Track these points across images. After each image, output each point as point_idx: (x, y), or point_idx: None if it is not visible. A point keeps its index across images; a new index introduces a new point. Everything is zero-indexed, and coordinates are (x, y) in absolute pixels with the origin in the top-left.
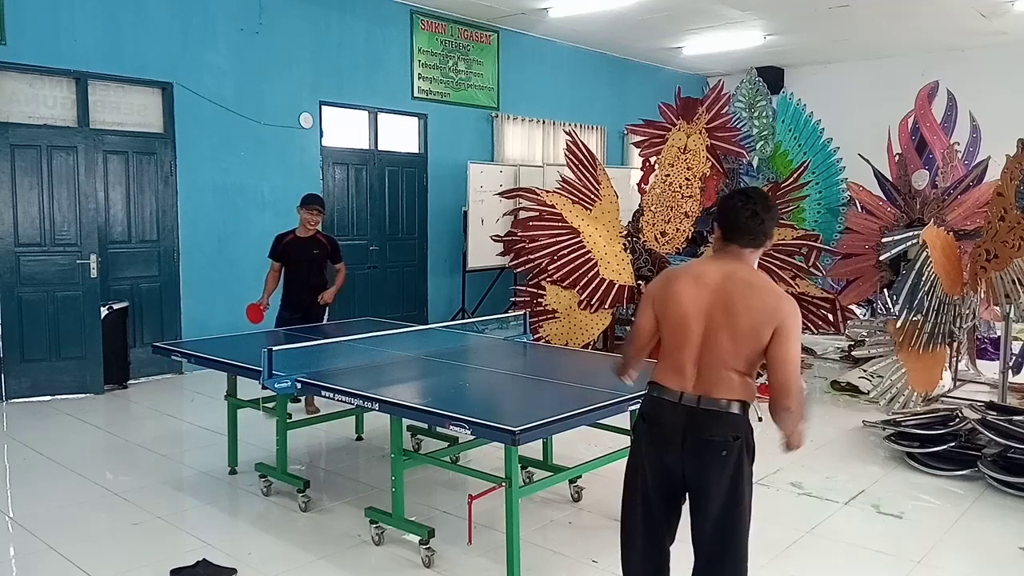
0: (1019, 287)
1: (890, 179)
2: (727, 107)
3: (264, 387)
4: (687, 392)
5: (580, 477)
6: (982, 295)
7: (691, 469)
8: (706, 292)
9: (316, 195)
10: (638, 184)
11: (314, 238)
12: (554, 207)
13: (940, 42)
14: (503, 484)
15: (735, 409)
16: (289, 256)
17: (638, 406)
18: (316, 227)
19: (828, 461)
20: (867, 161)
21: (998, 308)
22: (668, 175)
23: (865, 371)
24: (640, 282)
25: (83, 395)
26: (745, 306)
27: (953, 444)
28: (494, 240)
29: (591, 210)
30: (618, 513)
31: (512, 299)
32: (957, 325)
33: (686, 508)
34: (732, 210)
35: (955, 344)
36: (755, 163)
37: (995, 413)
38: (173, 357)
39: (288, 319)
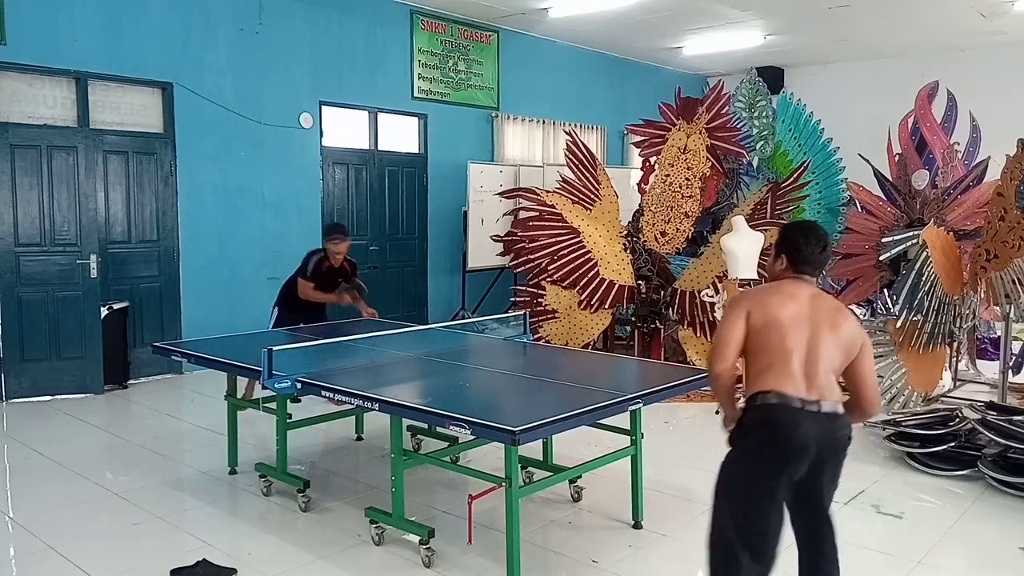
0: (1019, 287)
1: (890, 179)
2: (727, 107)
3: (264, 387)
4: (806, 397)
5: (580, 477)
6: (982, 295)
7: (818, 470)
8: (804, 307)
9: (338, 224)
10: (638, 184)
11: (342, 266)
12: (554, 207)
13: (940, 42)
14: (503, 484)
15: (843, 409)
16: (318, 281)
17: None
18: (343, 256)
19: None
20: (867, 161)
21: (998, 308)
22: (668, 175)
23: None
24: (640, 282)
25: (83, 395)
26: (841, 322)
27: (953, 444)
28: (494, 240)
29: (591, 210)
30: (618, 513)
31: (512, 299)
32: (957, 325)
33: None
34: (807, 246)
35: (955, 344)
36: (755, 163)
37: (995, 413)
38: (173, 357)
39: (288, 320)
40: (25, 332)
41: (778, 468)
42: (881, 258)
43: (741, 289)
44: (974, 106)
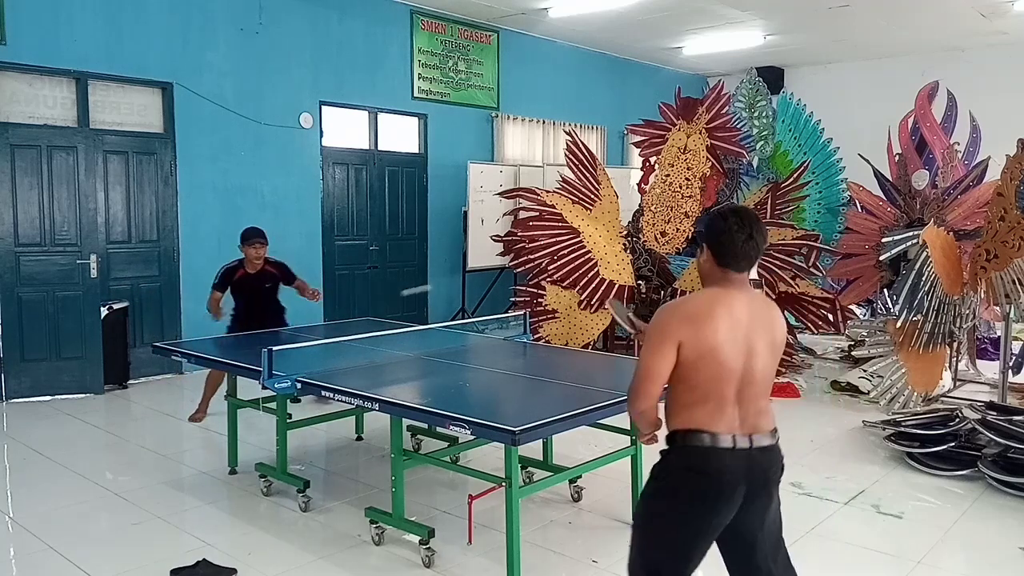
0: (1019, 287)
1: (890, 179)
2: (727, 107)
3: (264, 387)
4: (738, 434)
5: (580, 477)
6: (982, 295)
7: (748, 514)
8: (742, 324)
9: (256, 228)
10: (638, 184)
11: (263, 271)
12: (554, 207)
13: (940, 42)
14: (503, 484)
15: (776, 437)
16: (242, 292)
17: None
18: (261, 260)
19: (828, 461)
20: (867, 161)
21: (998, 308)
22: (668, 175)
23: (865, 371)
24: (640, 282)
25: (83, 395)
26: (774, 326)
27: (953, 444)
28: (494, 240)
29: (591, 210)
30: (618, 513)
31: (512, 299)
32: (957, 325)
33: None
34: (727, 235)
35: (955, 344)
36: (755, 163)
37: (995, 413)
38: (173, 357)
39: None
40: (25, 332)
41: (702, 516)
42: (881, 258)
43: None
44: (974, 106)
